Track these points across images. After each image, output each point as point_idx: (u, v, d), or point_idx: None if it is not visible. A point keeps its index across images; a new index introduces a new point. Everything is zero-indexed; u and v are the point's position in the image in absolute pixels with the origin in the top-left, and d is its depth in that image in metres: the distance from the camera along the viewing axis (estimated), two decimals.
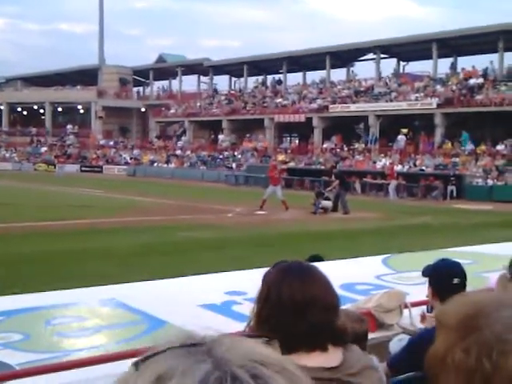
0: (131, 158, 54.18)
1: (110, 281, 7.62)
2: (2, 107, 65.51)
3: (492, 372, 0.87)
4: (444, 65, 47.40)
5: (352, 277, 7.04)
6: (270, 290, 1.82)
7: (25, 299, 6.30)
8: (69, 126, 63.77)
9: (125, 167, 52.29)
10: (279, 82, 57.22)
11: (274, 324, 1.75)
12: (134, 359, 0.70)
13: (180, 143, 55.28)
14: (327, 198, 23.15)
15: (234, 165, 45.85)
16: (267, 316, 1.79)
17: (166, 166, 50.67)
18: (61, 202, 23.72)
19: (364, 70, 52.60)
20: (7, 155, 59.67)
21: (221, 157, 48.89)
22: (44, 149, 60.00)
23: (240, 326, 4.82)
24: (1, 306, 5.99)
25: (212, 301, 6.22)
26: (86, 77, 66.75)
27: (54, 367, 3.83)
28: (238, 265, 9.30)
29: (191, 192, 30.92)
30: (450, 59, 46.98)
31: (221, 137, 53.04)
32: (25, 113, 67.34)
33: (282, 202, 22.78)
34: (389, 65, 53.42)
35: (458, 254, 8.12)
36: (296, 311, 1.76)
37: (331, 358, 1.77)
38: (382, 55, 49.67)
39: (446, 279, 3.43)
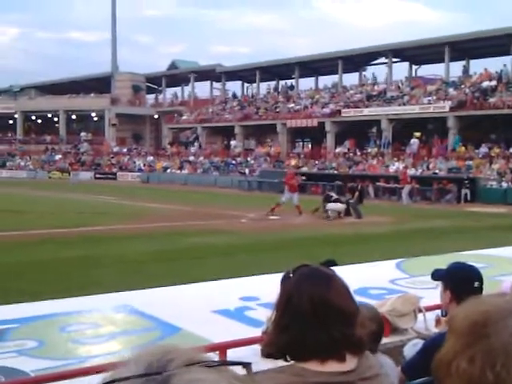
0: (145, 165, 54.37)
1: (124, 287, 7.65)
2: (16, 116, 65.97)
3: None
4: (456, 68, 47.26)
5: (366, 281, 7.03)
6: (290, 297, 1.77)
7: (39, 306, 6.34)
8: (83, 134, 64.13)
9: (138, 174, 52.48)
10: (291, 87, 57.26)
11: (293, 332, 1.71)
12: None
13: (193, 149, 55.42)
14: (337, 200, 22.95)
15: (246, 170, 45.88)
16: (287, 324, 1.73)
17: (179, 172, 50.79)
18: (75, 209, 23.83)
19: (376, 74, 52.42)
20: (22, 163, 60.08)
21: (234, 162, 48.95)
22: (58, 156, 60.36)
23: (253, 332, 4.82)
24: (15, 313, 6.03)
25: (225, 306, 6.24)
26: (100, 84, 67.12)
27: (69, 374, 3.84)
28: (252, 270, 9.30)
29: (204, 198, 30.97)
30: (463, 62, 46.81)
31: (233, 142, 53.12)
32: (39, 121, 67.80)
33: (296, 207, 22.80)
34: (401, 68, 53.33)
35: (472, 257, 8.08)
36: (317, 320, 1.71)
37: (346, 363, 1.75)
38: (394, 59, 49.58)
39: (466, 283, 3.36)
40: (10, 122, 66.98)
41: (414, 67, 51.68)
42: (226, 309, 6.17)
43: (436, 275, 3.59)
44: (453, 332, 0.94)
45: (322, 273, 1.84)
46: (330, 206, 22.52)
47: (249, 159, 48.82)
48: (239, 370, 0.77)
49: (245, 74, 60.54)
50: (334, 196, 23.47)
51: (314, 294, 1.74)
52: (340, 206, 22.77)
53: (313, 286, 1.77)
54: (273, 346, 1.74)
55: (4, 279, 9.95)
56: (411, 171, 35.10)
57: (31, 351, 5.05)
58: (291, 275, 1.83)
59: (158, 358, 0.72)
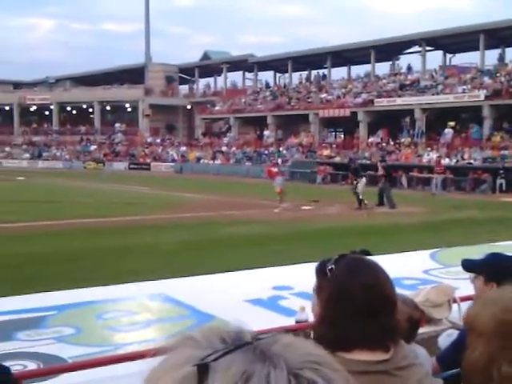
0: (178, 155, 54.64)
1: (158, 276, 7.74)
2: (52, 107, 66.84)
3: None
4: (492, 56, 46.52)
5: (399, 271, 6.99)
6: (341, 289, 1.72)
7: (76, 294, 6.46)
8: (117, 125, 64.65)
9: (172, 164, 52.74)
10: (324, 76, 56.97)
11: (345, 325, 1.67)
12: (198, 361, 0.66)
13: (225, 140, 55.52)
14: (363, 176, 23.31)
15: (279, 160, 45.83)
16: (338, 318, 1.69)
17: (212, 162, 50.95)
18: (109, 199, 24.12)
19: (410, 63, 51.88)
20: (58, 154, 60.90)
21: (266, 152, 48.92)
22: (93, 147, 61.02)
23: (286, 320, 4.85)
24: (53, 300, 6.15)
25: (259, 296, 6.28)
26: (133, 75, 67.60)
27: (105, 360, 3.89)
28: (284, 260, 9.34)
29: (237, 188, 31.05)
30: (498, 50, 46.04)
31: (266, 133, 53.08)
32: (74, 112, 68.54)
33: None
34: (435, 57, 52.69)
35: (508, 247, 7.98)
36: (370, 312, 1.67)
37: (388, 352, 1.74)
38: (428, 47, 48.99)
39: (508, 274, 3.26)
40: (46, 112, 67.91)
41: (448, 56, 51.02)
42: (259, 298, 6.21)
43: (468, 265, 3.49)
44: (479, 333, 0.91)
45: (369, 262, 1.80)
46: (361, 185, 22.53)
47: (281, 149, 48.75)
48: None
49: (277, 64, 60.37)
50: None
51: (366, 284, 1.70)
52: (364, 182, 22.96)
53: (363, 276, 1.72)
54: (322, 341, 1.63)
55: (42, 267, 10.14)
56: (445, 161, 34.72)
57: (69, 338, 5.15)
58: (332, 266, 1.77)
59: (228, 333, 0.70)
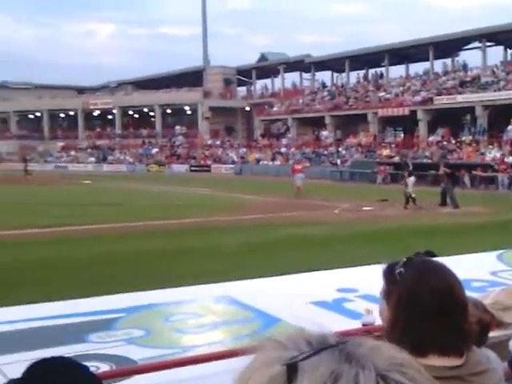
0: (238, 157, 54.98)
1: (221, 278, 7.82)
2: (114, 111, 68.33)
3: None
4: None
5: (466, 273, 6.87)
6: (410, 293, 1.69)
7: (143, 296, 6.58)
8: (177, 127, 65.60)
9: (232, 166, 53.12)
10: (381, 75, 56.40)
11: (420, 331, 1.65)
12: (286, 360, 0.68)
13: (284, 141, 55.57)
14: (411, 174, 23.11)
15: (338, 161, 45.61)
16: (408, 322, 1.67)
17: (271, 163, 51.06)
18: (170, 201, 24.47)
19: (469, 59, 50.88)
20: (121, 157, 62.17)
21: (325, 153, 48.72)
22: (155, 150, 62.05)
23: (352, 323, 4.85)
24: (121, 303, 6.29)
25: (323, 298, 6.25)
26: (191, 78, 68.42)
27: (175, 363, 3.96)
28: (347, 261, 9.29)
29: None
30: None
31: (324, 133, 52.89)
32: (136, 116, 69.86)
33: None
34: (495, 53, 51.49)
35: None
36: (442, 316, 1.66)
37: (461, 357, 1.73)
38: (488, 43, 47.90)
39: None
40: (109, 117, 69.46)
41: (510, 51, 49.75)
42: (324, 300, 6.19)
43: None
44: None
45: (438, 265, 1.77)
46: (410, 183, 22.33)
47: (340, 149, 48.46)
48: None
49: (334, 64, 60.12)
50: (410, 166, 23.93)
51: (436, 288, 1.68)
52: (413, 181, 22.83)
53: (433, 279, 1.70)
54: (396, 346, 1.67)
55: (110, 268, 10.39)
56: (509, 159, 33.87)
57: (138, 340, 5.24)
58: (401, 270, 1.73)
59: (312, 336, 0.72)
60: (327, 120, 52.31)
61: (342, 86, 59.27)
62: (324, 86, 62.06)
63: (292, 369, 0.67)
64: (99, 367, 4.39)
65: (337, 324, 5.19)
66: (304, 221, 17.76)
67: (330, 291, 6.46)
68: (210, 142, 61.53)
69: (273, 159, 51.83)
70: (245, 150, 56.64)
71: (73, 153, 65.37)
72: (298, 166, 30.61)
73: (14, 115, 72.86)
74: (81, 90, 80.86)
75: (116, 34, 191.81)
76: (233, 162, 54.34)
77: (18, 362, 4.42)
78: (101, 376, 3.76)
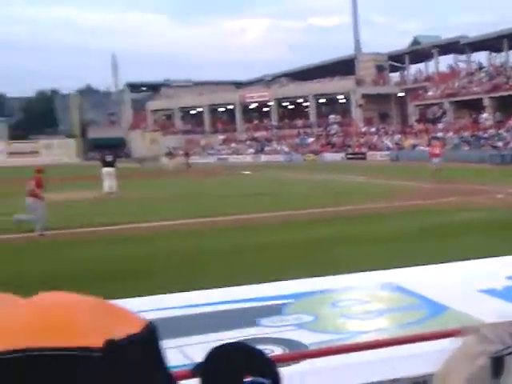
0: (393, 144, 54.11)
1: (381, 266, 7.84)
2: (271, 103, 69.85)
3: None
4: None
5: None
6: None
7: (310, 282, 6.80)
8: (331, 116, 65.87)
9: (387, 153, 52.44)
10: None
11: None
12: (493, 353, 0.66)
13: (440, 125, 53.88)
14: None
15: (500, 143, 43.49)
16: None
17: (427, 149, 49.66)
18: (325, 189, 24.59)
19: None
20: (278, 148, 63.53)
21: (486, 136, 46.63)
22: (310, 139, 62.73)
23: None
24: (289, 289, 6.54)
25: (492, 286, 6.13)
26: (343, 67, 68.26)
27: (344, 348, 4.09)
28: None
29: (455, 174, 29.92)
30: None
31: (484, 115, 50.68)
32: (291, 107, 70.93)
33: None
34: None
35: None
36: None
37: None
38: None
39: None
40: (265, 109, 71.09)
41: None
42: (493, 288, 6.06)
43: None
44: None
45: None
46: None
47: (501, 131, 46.15)
48: None
49: (491, 44, 57.44)
50: None
51: None
52: None
53: None
54: None
55: (285, 253, 10.74)
56: None
57: (308, 325, 5.47)
58: None
59: None
60: (486, 102, 50.11)
61: (502, 65, 56.35)
62: (481, 67, 59.33)
63: (498, 362, 0.65)
64: (273, 350, 4.64)
65: (508, 312, 5.06)
66: (466, 206, 17.18)
67: (500, 278, 6.31)
68: (364, 129, 61.09)
69: (429, 144, 50.40)
70: (400, 136, 55.61)
71: (233, 145, 67.70)
72: (436, 151, 30.73)
73: (178, 111, 76.83)
74: (238, 85, 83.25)
75: (270, 28, 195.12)
76: (388, 149, 53.61)
77: (198, 344, 4.79)
78: (276, 359, 3.99)
